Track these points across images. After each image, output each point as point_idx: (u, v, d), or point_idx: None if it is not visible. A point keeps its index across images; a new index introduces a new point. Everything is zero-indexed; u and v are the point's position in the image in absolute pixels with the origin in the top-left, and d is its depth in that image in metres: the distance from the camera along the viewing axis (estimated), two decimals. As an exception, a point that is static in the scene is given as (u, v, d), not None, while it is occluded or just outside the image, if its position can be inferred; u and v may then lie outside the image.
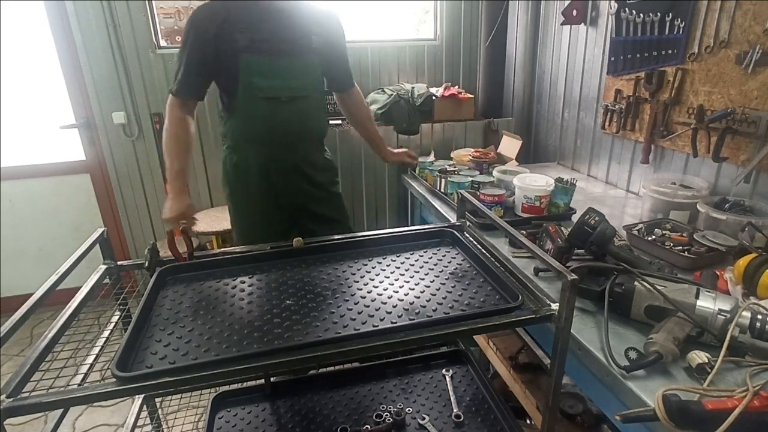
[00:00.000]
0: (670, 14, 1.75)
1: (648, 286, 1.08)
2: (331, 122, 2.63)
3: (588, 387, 1.12)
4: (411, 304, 1.03)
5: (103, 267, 1.21)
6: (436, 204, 2.11)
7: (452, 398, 1.38)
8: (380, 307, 1.02)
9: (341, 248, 1.30)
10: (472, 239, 1.36)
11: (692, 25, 1.69)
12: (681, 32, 1.72)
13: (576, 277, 0.91)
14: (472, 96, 2.76)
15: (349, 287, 1.12)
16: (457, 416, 1.31)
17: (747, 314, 0.99)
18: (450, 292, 1.08)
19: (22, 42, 2.68)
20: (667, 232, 1.56)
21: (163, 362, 0.84)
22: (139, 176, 2.94)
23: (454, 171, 2.18)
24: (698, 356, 0.93)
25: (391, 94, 2.64)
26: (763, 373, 0.92)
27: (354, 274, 1.18)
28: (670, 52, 1.79)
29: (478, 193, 1.90)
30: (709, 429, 0.74)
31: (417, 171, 2.46)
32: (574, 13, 2.30)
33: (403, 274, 1.17)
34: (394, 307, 1.02)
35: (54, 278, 1.00)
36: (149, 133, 2.86)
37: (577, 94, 2.48)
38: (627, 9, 1.95)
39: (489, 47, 2.88)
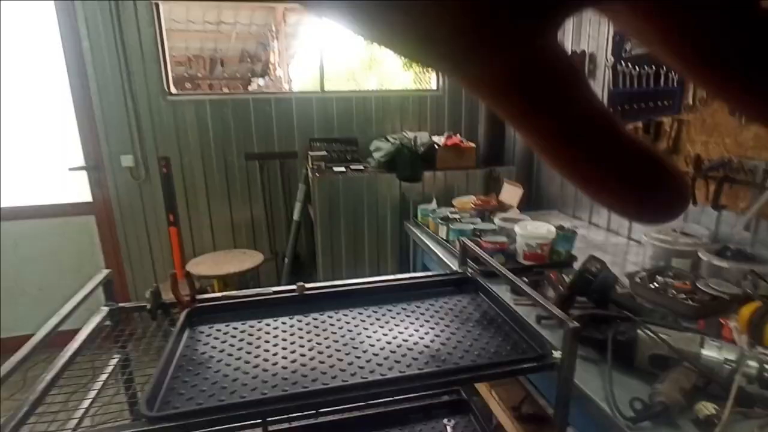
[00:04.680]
0: (665, 67, 1.84)
1: (651, 334, 1.07)
2: (335, 169, 2.71)
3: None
4: (420, 352, 1.02)
5: (105, 309, 1.21)
6: (438, 251, 2.11)
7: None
8: (391, 355, 1.01)
9: (348, 295, 1.30)
10: (476, 287, 1.36)
11: (687, 79, 1.76)
12: (676, 84, 1.80)
13: (578, 325, 0.91)
14: (474, 145, 2.84)
15: (358, 334, 1.11)
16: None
17: (754, 364, 0.97)
18: (460, 341, 1.08)
19: (39, 85, 2.80)
20: (670, 279, 1.55)
21: (190, 403, 0.84)
22: (144, 218, 2.98)
23: (457, 218, 2.20)
24: (705, 408, 0.90)
25: (395, 143, 2.71)
26: (774, 427, 0.89)
27: (364, 321, 1.18)
28: (666, 103, 1.86)
29: (481, 241, 1.91)
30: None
31: (419, 218, 2.49)
32: (570, 67, 2.41)
33: (413, 323, 1.17)
34: (418, 354, 1.01)
35: (55, 320, 1.00)
36: (155, 176, 2.93)
37: (575, 143, 2.54)
38: (623, 62, 2.05)
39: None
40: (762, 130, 1.51)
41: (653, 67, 1.89)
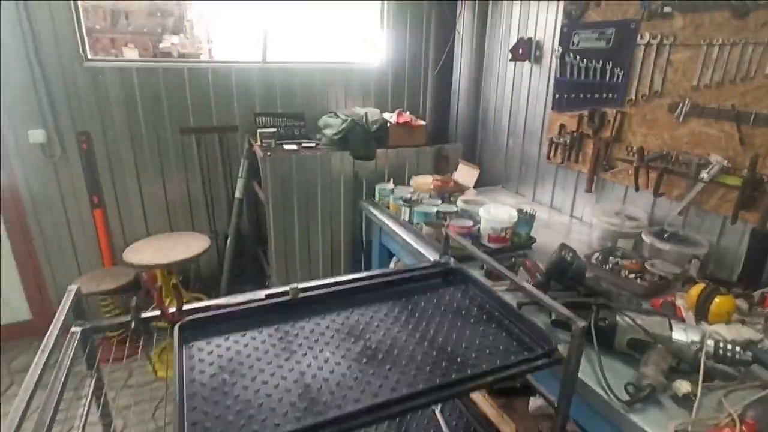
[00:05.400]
0: (611, 63, 1.97)
1: (629, 320, 1.21)
2: (286, 147, 2.57)
3: (585, 420, 1.21)
4: (436, 355, 1.05)
5: (77, 330, 1.06)
6: (402, 233, 2.14)
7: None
8: (412, 362, 1.02)
9: (341, 295, 1.28)
10: (464, 278, 1.41)
11: (630, 75, 1.92)
12: (620, 80, 1.95)
13: (586, 323, 0.99)
14: (424, 122, 2.85)
15: (367, 338, 1.11)
16: (454, 452, 1.34)
17: (711, 342, 1.14)
18: (470, 339, 1.12)
19: None
20: (619, 260, 1.74)
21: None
22: (61, 202, 2.61)
23: (418, 200, 2.23)
24: (682, 386, 1.06)
25: (346, 119, 2.63)
26: (731, 395, 1.07)
27: (368, 323, 1.17)
28: (610, 95, 2.01)
29: (448, 225, 1.96)
30: (714, 458, 0.85)
31: (377, 198, 2.48)
32: (521, 51, 2.49)
33: (418, 322, 1.19)
34: (435, 358, 1.04)
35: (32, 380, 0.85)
36: (74, 154, 2.56)
37: (521, 126, 2.68)
38: (571, 54, 2.16)
39: (437, 76, 3.00)
40: (696, 128, 1.72)
41: (600, 62, 2.03)
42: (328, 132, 2.67)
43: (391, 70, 3.25)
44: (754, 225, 1.53)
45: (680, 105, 1.74)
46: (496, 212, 1.94)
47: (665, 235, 1.77)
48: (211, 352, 1.04)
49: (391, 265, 2.61)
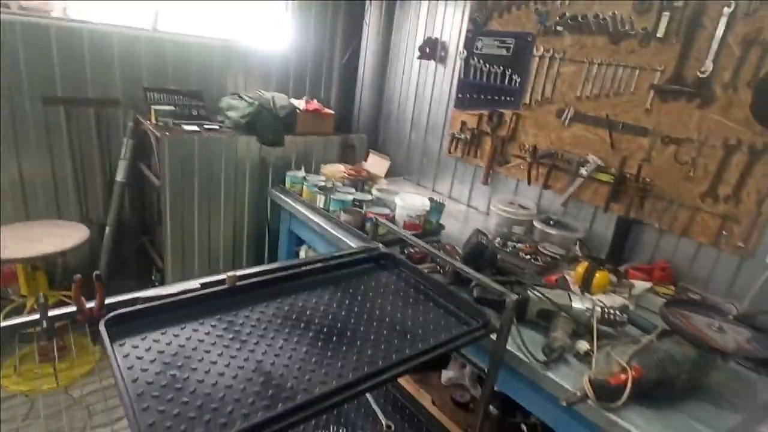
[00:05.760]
0: (510, 69, 2.22)
1: (540, 295, 1.40)
2: (186, 128, 2.35)
3: (505, 385, 1.36)
4: (389, 332, 1.10)
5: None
6: (317, 219, 2.13)
7: (378, 413, 1.47)
8: (367, 342, 1.05)
9: (279, 282, 1.25)
10: (395, 262, 1.48)
11: (526, 82, 2.18)
12: (518, 85, 2.21)
13: (519, 296, 1.13)
14: (332, 111, 2.85)
15: (315, 323, 1.10)
16: (388, 426, 1.41)
17: (598, 309, 1.39)
18: (415, 318, 1.19)
19: None
20: (515, 243, 1.98)
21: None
22: None
23: (333, 188, 2.24)
24: (583, 345, 1.27)
25: (252, 102, 2.50)
26: (615, 349, 1.32)
27: (312, 309, 1.16)
28: (509, 98, 2.26)
29: (366, 212, 2.02)
30: (615, 397, 1.06)
31: (288, 185, 2.42)
32: (427, 50, 2.64)
33: (360, 305, 1.22)
34: (389, 335, 1.07)
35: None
36: None
37: (424, 120, 2.85)
38: (475, 57, 2.37)
39: (344, 67, 3.02)
40: (577, 132, 2.04)
41: (501, 68, 2.27)
42: (232, 114, 2.51)
43: (295, 56, 3.15)
44: (620, 213, 1.88)
45: (566, 111, 2.04)
46: (411, 200, 2.06)
47: (551, 222, 2.07)
48: (149, 348, 0.94)
49: (301, 254, 2.58)
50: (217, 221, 2.54)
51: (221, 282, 1.16)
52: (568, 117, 2.03)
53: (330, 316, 1.15)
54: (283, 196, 2.40)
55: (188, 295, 1.09)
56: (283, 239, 2.57)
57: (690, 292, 1.70)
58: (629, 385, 1.07)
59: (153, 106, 2.31)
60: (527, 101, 2.20)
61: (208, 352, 0.95)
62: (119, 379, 0.83)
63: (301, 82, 3.24)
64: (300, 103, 2.72)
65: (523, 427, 1.66)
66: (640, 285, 1.70)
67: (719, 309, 1.44)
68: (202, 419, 0.78)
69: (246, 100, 2.55)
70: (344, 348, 1.03)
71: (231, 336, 1.01)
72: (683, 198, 1.74)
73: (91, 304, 1.00)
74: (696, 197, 1.70)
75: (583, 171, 1.97)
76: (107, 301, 1.02)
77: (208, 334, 1.01)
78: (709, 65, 1.62)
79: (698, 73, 1.65)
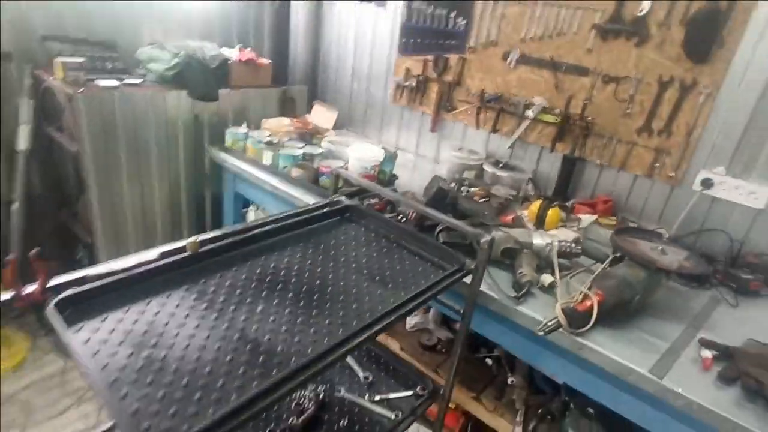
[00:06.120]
0: (455, 12, 2.16)
1: (504, 234, 1.45)
2: (103, 83, 2.06)
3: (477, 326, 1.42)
4: (367, 284, 1.08)
5: None
6: (266, 177, 2.02)
7: (354, 366, 1.48)
8: (355, 297, 1.02)
9: (246, 243, 1.17)
10: (360, 214, 1.44)
11: (471, 25, 2.14)
12: (462, 28, 2.16)
13: (494, 236, 1.16)
14: (269, 61, 2.64)
15: (293, 282, 1.06)
16: (366, 377, 1.43)
17: (556, 243, 1.47)
18: (394, 267, 1.18)
19: None
20: (468, 188, 2.02)
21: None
22: None
23: (280, 143, 2.11)
24: (547, 278, 1.34)
25: (177, 53, 2.24)
26: (573, 279, 1.42)
27: (286, 270, 1.11)
28: (454, 42, 2.22)
29: (319, 166, 1.94)
30: (584, 322, 1.14)
31: (230, 143, 2.25)
32: (365, -9, 2.49)
33: (336, 260, 1.19)
34: (374, 288, 1.05)
35: None
36: None
37: (366, 68, 2.74)
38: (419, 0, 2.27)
39: (274, 13, 2.78)
40: (523, 74, 2.06)
41: (445, 10, 2.20)
42: (156, 67, 2.24)
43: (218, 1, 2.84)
44: (565, 152, 1.96)
45: (511, 54, 2.04)
46: (364, 151, 2.00)
47: (500, 165, 2.13)
48: (113, 330, 0.85)
49: (250, 215, 2.46)
50: (150, 187, 2.32)
51: (181, 250, 1.07)
52: (514, 59, 2.04)
53: (306, 275, 1.10)
54: (224, 155, 2.23)
55: (147, 266, 0.99)
56: (228, 201, 2.42)
57: (630, 222, 1.85)
58: (595, 309, 1.15)
59: (58, 59, 1.99)
60: (472, 45, 2.17)
61: (183, 325, 0.88)
62: (85, 368, 0.75)
63: (227, 31, 2.95)
64: (232, 53, 2.48)
65: (488, 361, 1.77)
66: (587, 218, 1.82)
67: (658, 234, 1.59)
68: (192, 398, 0.73)
69: (170, 51, 2.29)
70: (328, 305, 1.00)
71: (204, 306, 0.94)
72: (621, 134, 1.84)
73: (30, 289, 0.87)
74: (633, 133, 1.82)
75: (529, 113, 2.02)
76: (52, 283, 0.90)
77: (178, 306, 0.93)
78: (646, 4, 1.68)
79: (636, 12, 1.71)
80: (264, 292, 1.01)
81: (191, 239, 1.08)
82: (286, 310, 0.96)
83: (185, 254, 1.05)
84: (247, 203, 2.50)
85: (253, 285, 1.04)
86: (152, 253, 1.03)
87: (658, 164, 1.78)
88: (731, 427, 0.99)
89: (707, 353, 1.15)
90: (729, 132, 1.63)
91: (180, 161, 2.38)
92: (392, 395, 1.36)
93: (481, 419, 1.64)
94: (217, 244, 1.12)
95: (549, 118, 1.98)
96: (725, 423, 0.99)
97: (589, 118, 1.88)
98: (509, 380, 1.66)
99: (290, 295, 1.02)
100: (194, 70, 2.26)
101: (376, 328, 0.91)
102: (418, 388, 1.39)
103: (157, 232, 2.45)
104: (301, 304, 0.99)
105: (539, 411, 1.55)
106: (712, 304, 1.42)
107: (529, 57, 2.00)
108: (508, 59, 2.06)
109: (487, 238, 1.15)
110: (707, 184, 1.67)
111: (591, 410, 1.49)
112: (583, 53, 1.87)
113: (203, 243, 1.10)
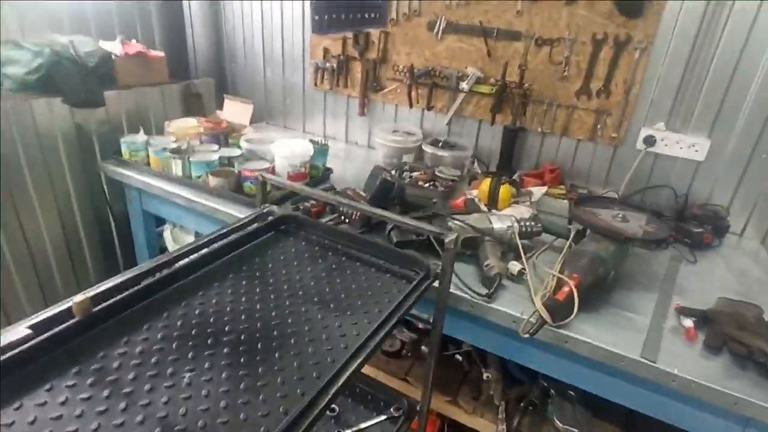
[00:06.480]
0: (369, -21, 1.94)
1: (460, 223, 1.31)
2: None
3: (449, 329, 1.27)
4: (322, 317, 0.88)
5: None
6: (179, 191, 1.71)
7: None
8: (321, 334, 0.82)
9: (158, 289, 0.92)
10: (299, 224, 1.23)
11: (389, -6, 1.94)
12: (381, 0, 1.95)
13: (457, 235, 1.00)
14: (163, 54, 2.27)
15: (227, 331, 0.83)
16: (331, 411, 1.25)
17: (516, 225, 1.35)
18: (349, 286, 0.98)
19: None
20: (409, 173, 1.86)
21: None
22: None
23: (189, 148, 1.80)
24: (515, 266, 1.22)
25: (41, 51, 1.82)
26: (538, 258, 1.32)
27: (217, 310, 0.87)
28: (373, 15, 2.00)
29: (241, 171, 1.67)
30: (567, 312, 1.03)
31: (126, 155, 1.89)
32: (265, -36, 2.20)
33: (278, 284, 0.96)
34: (323, 322, 0.84)
35: None
36: None
37: (279, 52, 2.45)
38: (326, -31, 2.02)
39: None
40: (452, 44, 1.91)
41: (358, -23, 1.98)
42: (13, 71, 1.81)
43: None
44: (505, 123, 1.85)
45: (437, 23, 1.88)
46: (290, 147, 1.76)
47: (440, 144, 1.98)
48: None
49: (166, 235, 2.13)
50: (33, 220, 1.90)
51: (65, 314, 0.79)
52: (441, 29, 1.88)
53: (243, 317, 0.88)
54: (122, 170, 1.87)
55: (14, 351, 0.72)
56: (137, 222, 2.06)
57: (579, 189, 1.80)
58: (576, 296, 1.05)
59: None
60: (394, 16, 1.98)
61: (74, 431, 0.63)
62: None
63: (107, 21, 2.50)
64: (114, 47, 2.08)
65: (458, 357, 1.66)
66: (537, 191, 1.74)
67: (612, 199, 1.53)
68: None
69: (29, 48, 1.85)
70: (276, 354, 0.79)
71: (106, 393, 0.69)
72: (560, 98, 1.77)
73: None
74: (572, 96, 1.75)
75: (463, 85, 1.88)
76: None
77: (65, 403, 0.67)
78: (571, -43, 1.59)
79: (563, -33, 1.61)
80: (190, 353, 0.78)
81: (78, 298, 0.81)
82: (223, 374, 0.74)
83: (72, 321, 0.79)
84: (161, 221, 2.16)
85: (174, 346, 0.80)
86: (20, 329, 0.75)
87: (599, 126, 1.73)
88: (732, 401, 0.93)
89: (688, 322, 1.10)
90: (666, 86, 1.60)
91: (68, 182, 1.98)
92: (364, 425, 1.19)
93: (462, 423, 1.52)
94: (117, 297, 0.85)
95: (485, 88, 1.86)
96: (724, 396, 0.93)
97: (527, 85, 1.78)
98: (484, 376, 1.55)
99: (225, 350, 0.79)
100: (67, 71, 1.85)
101: (346, 374, 0.72)
102: (392, 408, 1.24)
103: (54, 277, 2.04)
104: (242, 360, 0.77)
105: (521, 404, 1.46)
106: (674, 264, 1.39)
107: (456, 24, 1.85)
108: (435, 29, 1.90)
109: (452, 237, 0.99)
110: (650, 141, 1.65)
111: (572, 393, 1.43)
112: (512, 16, 1.75)
113: (97, 299, 0.83)
